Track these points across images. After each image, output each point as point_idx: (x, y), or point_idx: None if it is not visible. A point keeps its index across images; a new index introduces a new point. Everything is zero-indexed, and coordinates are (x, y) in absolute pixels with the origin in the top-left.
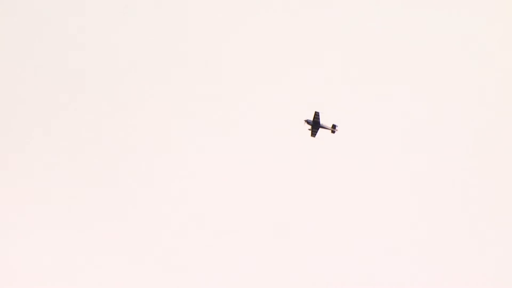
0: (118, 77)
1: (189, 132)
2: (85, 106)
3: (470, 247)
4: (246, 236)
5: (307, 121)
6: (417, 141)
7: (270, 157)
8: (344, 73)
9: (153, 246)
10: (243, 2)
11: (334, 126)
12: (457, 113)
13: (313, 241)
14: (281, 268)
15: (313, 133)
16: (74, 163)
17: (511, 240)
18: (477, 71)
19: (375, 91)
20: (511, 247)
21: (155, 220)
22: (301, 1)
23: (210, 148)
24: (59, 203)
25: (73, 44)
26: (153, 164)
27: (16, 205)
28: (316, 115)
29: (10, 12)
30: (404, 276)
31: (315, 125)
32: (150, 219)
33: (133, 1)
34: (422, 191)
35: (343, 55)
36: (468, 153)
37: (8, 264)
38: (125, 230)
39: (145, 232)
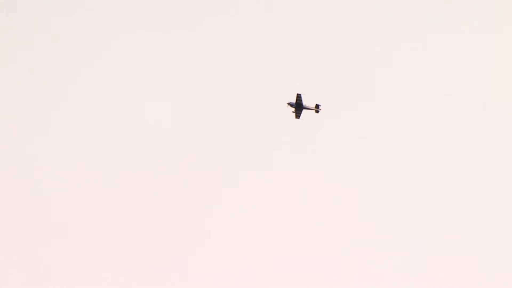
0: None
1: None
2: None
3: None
4: (243, 236)
5: (290, 104)
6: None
7: (257, 143)
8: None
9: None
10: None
11: (317, 106)
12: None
13: (307, 241)
14: (272, 267)
15: (297, 115)
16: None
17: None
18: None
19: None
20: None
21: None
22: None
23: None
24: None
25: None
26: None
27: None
28: (298, 97)
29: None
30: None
31: (298, 107)
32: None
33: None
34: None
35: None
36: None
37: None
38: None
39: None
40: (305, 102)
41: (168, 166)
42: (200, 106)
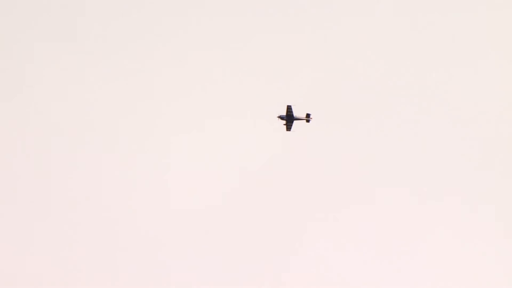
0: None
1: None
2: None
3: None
4: (238, 236)
5: (281, 117)
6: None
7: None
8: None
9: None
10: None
11: (308, 115)
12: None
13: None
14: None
15: (288, 127)
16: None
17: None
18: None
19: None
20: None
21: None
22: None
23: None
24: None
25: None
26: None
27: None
28: (289, 108)
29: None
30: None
31: (289, 118)
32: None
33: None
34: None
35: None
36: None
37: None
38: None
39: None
40: (295, 113)
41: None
42: (183, 123)
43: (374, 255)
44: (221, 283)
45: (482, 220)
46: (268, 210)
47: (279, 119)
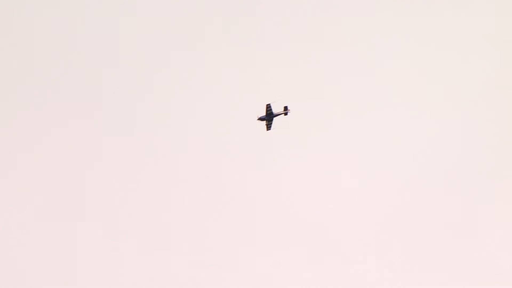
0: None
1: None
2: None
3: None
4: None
5: (261, 118)
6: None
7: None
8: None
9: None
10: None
11: (285, 108)
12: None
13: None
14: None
15: (269, 127)
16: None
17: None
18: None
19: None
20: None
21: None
22: None
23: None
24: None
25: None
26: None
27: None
28: (268, 107)
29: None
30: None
31: (269, 117)
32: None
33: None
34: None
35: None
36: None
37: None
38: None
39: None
40: (274, 110)
41: None
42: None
43: None
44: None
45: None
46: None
47: (260, 121)
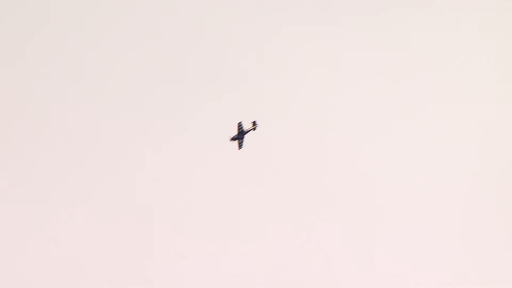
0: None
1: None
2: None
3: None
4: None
5: (234, 138)
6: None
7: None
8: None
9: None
10: None
11: (254, 123)
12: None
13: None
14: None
15: (240, 145)
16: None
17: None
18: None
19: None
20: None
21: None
22: None
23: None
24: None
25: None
26: None
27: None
28: (240, 125)
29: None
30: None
31: (240, 135)
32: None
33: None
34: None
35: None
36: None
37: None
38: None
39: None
40: (245, 126)
41: None
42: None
43: None
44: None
45: None
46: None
47: (232, 141)
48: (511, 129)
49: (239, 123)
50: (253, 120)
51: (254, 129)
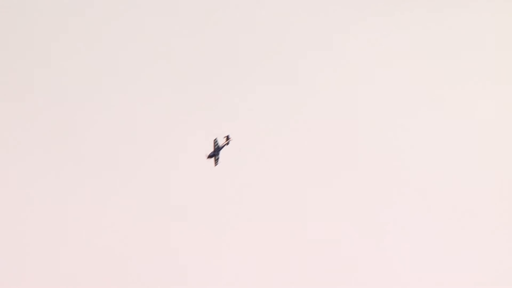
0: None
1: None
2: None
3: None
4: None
5: (210, 155)
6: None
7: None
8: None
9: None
10: None
11: (227, 138)
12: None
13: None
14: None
15: (216, 161)
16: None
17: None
18: None
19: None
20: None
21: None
22: None
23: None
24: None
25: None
26: None
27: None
28: (215, 142)
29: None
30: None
31: (216, 151)
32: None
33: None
34: None
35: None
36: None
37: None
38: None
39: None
40: (220, 142)
41: None
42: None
43: None
44: None
45: None
46: None
47: (209, 158)
48: None
49: (215, 139)
50: (226, 135)
51: (228, 143)
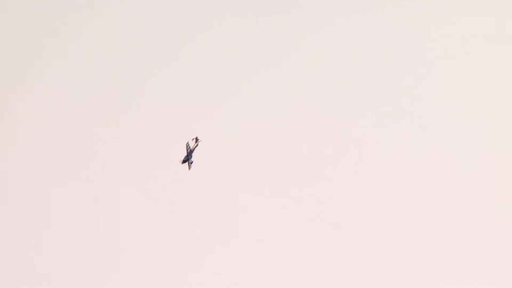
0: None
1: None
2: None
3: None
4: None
5: (184, 160)
6: None
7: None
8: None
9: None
10: None
11: (196, 139)
12: None
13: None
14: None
15: (190, 165)
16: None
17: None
18: None
19: None
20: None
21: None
22: None
23: None
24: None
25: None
26: None
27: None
28: (187, 145)
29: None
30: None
31: (190, 155)
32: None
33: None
34: None
35: None
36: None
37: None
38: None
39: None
40: (191, 145)
41: None
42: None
43: None
44: None
45: None
46: None
47: (183, 163)
48: None
49: (187, 143)
50: (194, 137)
51: (197, 145)
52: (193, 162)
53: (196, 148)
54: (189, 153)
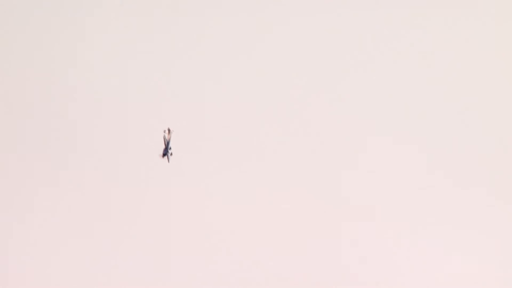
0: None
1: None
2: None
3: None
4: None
5: (164, 153)
6: None
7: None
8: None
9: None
10: None
11: (169, 130)
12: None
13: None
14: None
15: (168, 158)
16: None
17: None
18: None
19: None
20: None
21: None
22: None
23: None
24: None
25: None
26: None
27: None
28: (164, 138)
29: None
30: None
31: (167, 147)
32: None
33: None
34: None
35: None
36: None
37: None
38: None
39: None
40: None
41: None
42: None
43: None
44: None
45: None
46: None
47: (163, 157)
48: None
49: (163, 136)
50: (166, 128)
51: (170, 136)
52: (172, 154)
53: (170, 140)
54: (167, 145)
